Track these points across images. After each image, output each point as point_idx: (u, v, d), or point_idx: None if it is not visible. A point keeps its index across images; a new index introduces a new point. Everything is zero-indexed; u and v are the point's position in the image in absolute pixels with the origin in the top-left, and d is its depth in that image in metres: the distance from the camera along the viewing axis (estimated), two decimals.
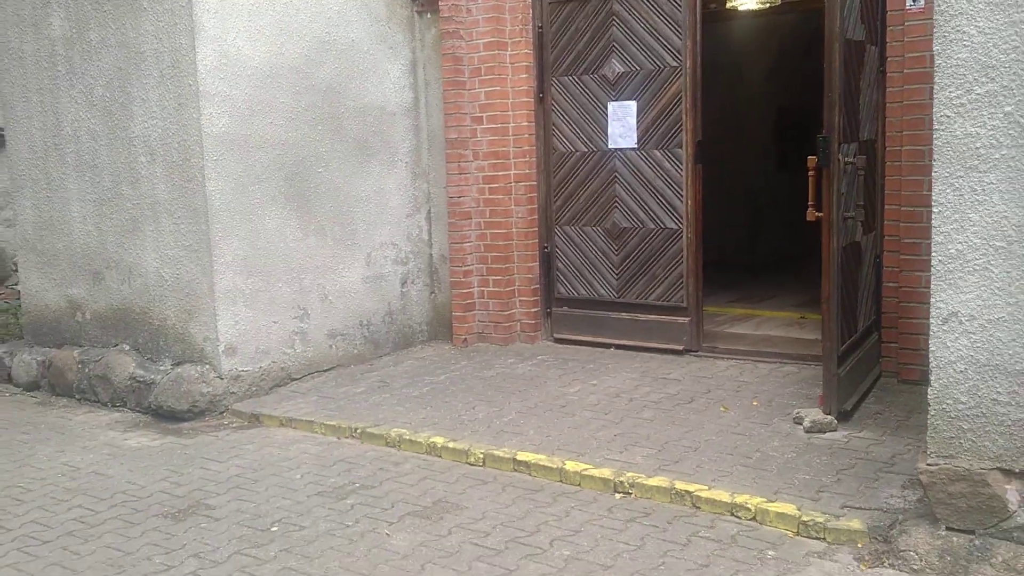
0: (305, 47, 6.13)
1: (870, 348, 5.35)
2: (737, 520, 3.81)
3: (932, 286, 3.35)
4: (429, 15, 6.89)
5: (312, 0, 6.15)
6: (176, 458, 4.95)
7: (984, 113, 3.19)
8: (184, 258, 5.80)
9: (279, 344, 6.05)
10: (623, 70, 6.33)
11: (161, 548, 3.82)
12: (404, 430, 4.96)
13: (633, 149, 6.34)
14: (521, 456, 4.49)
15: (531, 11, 6.59)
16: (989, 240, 3.23)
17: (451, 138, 6.73)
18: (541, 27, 6.61)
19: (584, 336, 6.65)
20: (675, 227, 6.24)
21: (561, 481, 4.30)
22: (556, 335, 6.80)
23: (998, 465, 3.28)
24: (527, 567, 3.50)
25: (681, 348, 6.27)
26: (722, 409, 5.05)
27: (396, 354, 6.80)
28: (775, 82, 10.16)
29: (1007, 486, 3.27)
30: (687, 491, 3.99)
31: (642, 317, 6.44)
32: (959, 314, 3.30)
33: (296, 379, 6.13)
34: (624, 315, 6.51)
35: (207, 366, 5.74)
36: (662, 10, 6.11)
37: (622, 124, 6.37)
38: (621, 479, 4.16)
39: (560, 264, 6.77)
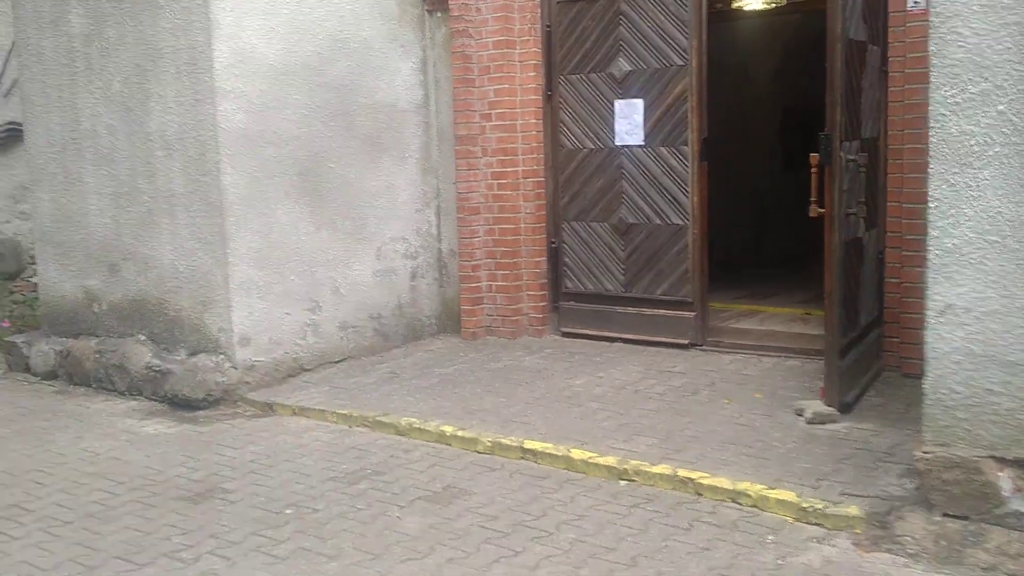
0: (318, 45, 6.25)
1: (872, 343, 5.43)
2: (738, 506, 3.91)
3: (928, 279, 3.45)
4: (439, 14, 6.99)
5: None
6: (192, 444, 5.08)
7: (978, 111, 3.29)
8: (199, 250, 5.93)
9: (292, 335, 6.17)
10: (630, 69, 6.42)
11: (179, 529, 3.94)
12: (414, 419, 5.08)
13: (640, 146, 6.44)
14: (528, 444, 4.59)
15: (539, 10, 6.67)
16: (983, 234, 3.33)
17: (460, 135, 6.84)
18: (549, 26, 6.70)
19: (591, 330, 6.74)
20: (681, 223, 6.33)
21: (567, 468, 4.41)
22: (563, 329, 6.90)
23: (991, 453, 3.38)
24: (533, 549, 3.62)
25: (686, 342, 6.36)
26: (725, 401, 5.15)
27: (406, 346, 6.91)
28: (781, 82, 10.21)
29: (1000, 473, 3.36)
30: (690, 478, 4.09)
31: (648, 312, 6.53)
32: (955, 306, 3.40)
33: (308, 370, 6.24)
34: (630, 310, 6.60)
35: (222, 356, 5.87)
36: (668, 10, 6.21)
37: (629, 122, 6.46)
38: (625, 467, 4.26)
39: (567, 259, 6.87)
